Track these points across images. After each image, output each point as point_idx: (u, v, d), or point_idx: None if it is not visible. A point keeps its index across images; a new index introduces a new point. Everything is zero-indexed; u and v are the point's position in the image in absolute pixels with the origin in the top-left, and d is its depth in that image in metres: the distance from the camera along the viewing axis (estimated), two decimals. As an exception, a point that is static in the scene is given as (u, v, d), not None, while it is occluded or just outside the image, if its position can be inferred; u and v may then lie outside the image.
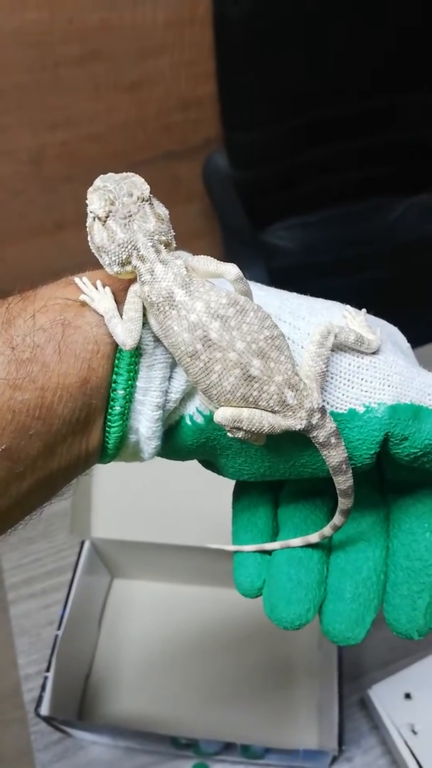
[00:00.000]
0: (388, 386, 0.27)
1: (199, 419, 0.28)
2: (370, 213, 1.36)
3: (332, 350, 0.27)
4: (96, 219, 0.27)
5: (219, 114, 1.30)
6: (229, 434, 0.27)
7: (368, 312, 0.31)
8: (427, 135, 1.34)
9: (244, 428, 0.26)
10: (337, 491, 0.28)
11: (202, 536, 0.63)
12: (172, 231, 0.27)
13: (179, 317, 0.25)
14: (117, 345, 0.26)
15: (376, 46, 1.23)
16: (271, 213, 1.34)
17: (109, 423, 0.27)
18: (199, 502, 0.65)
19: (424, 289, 1.27)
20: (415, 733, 0.56)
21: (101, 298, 0.26)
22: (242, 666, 0.66)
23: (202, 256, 0.27)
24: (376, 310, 0.32)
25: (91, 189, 0.27)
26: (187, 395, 0.28)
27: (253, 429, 0.26)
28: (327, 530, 0.30)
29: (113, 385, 0.26)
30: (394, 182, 1.36)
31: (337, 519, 0.29)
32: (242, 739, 0.58)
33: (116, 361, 0.26)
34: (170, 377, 0.28)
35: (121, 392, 0.26)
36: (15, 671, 0.68)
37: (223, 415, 0.26)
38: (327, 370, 0.27)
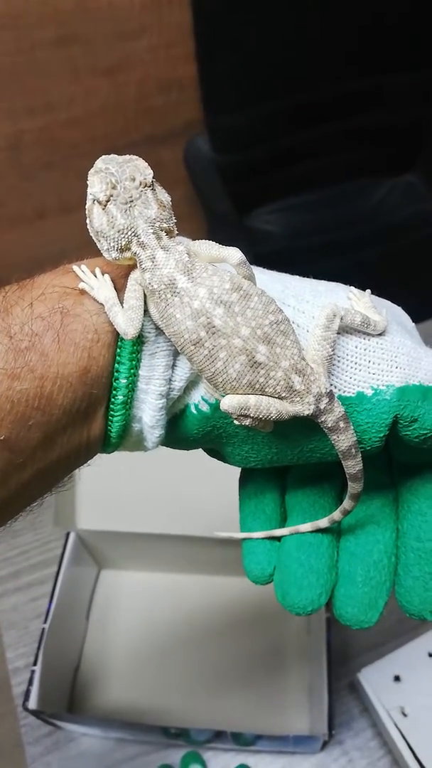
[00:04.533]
0: (396, 368, 0.27)
1: (205, 407, 0.28)
2: (354, 195, 1.35)
3: (338, 333, 0.27)
4: (96, 202, 0.26)
5: (200, 97, 1.28)
6: (235, 422, 0.27)
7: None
8: (410, 116, 1.33)
9: (251, 415, 0.26)
10: (347, 476, 0.28)
11: (189, 525, 0.63)
12: (173, 218, 0.26)
13: (182, 304, 0.25)
14: (118, 333, 0.26)
15: (358, 27, 1.21)
16: (255, 197, 1.33)
17: (111, 412, 0.27)
18: (184, 491, 0.64)
19: (410, 268, 1.26)
20: (405, 715, 0.56)
21: (100, 286, 0.26)
22: (231, 653, 0.66)
23: (204, 240, 0.27)
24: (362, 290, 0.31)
25: (92, 171, 0.26)
26: (192, 383, 0.28)
27: (260, 416, 0.26)
28: (337, 515, 0.30)
29: (115, 374, 0.26)
30: (377, 164, 1.35)
31: (347, 503, 0.29)
32: (233, 727, 0.57)
33: (118, 350, 0.26)
34: (173, 365, 0.27)
35: (123, 381, 0.26)
36: (3, 665, 0.67)
37: (229, 402, 0.26)
38: (333, 354, 0.26)
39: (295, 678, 0.64)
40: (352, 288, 0.29)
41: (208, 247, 0.26)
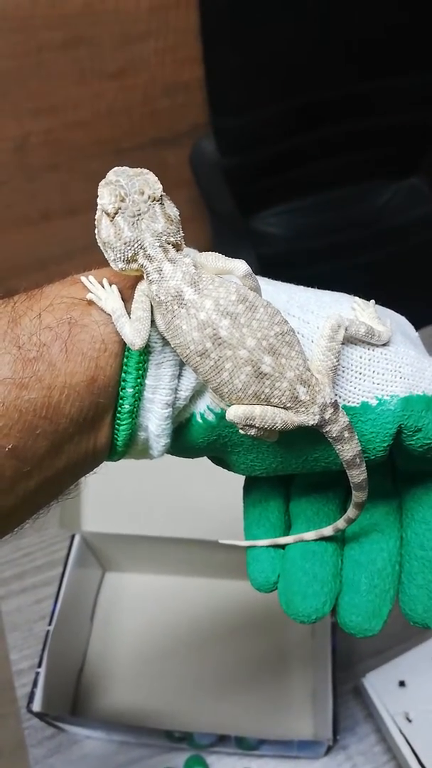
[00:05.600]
0: (401, 378, 0.27)
1: (210, 417, 0.28)
2: (359, 198, 1.35)
3: (343, 343, 0.27)
4: (104, 213, 0.26)
5: (205, 99, 1.28)
6: (241, 432, 0.27)
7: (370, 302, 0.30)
8: (415, 119, 1.33)
9: (257, 425, 0.26)
10: (351, 485, 0.28)
11: (194, 528, 0.63)
12: (181, 232, 0.27)
13: (188, 316, 0.25)
14: (125, 343, 0.26)
15: (363, 30, 1.21)
16: (260, 199, 1.33)
17: (118, 421, 0.27)
18: (189, 495, 0.64)
19: (413, 273, 1.26)
20: (409, 720, 0.56)
21: (108, 297, 0.26)
22: (236, 657, 0.66)
23: (210, 252, 0.27)
24: (365, 295, 0.31)
25: (103, 182, 0.27)
26: (197, 393, 0.28)
27: (265, 426, 0.26)
28: (341, 523, 0.30)
29: (122, 383, 0.26)
30: (381, 167, 1.35)
31: (351, 512, 0.29)
32: (237, 731, 0.57)
33: (125, 360, 0.26)
34: (179, 375, 0.27)
35: (130, 390, 0.26)
36: (7, 666, 0.67)
37: (235, 413, 0.26)
38: (338, 364, 0.27)
39: (299, 682, 0.64)
40: (357, 298, 0.30)
41: (215, 259, 0.27)
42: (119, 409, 0.27)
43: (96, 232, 0.27)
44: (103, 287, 0.26)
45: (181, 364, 0.27)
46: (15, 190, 1.30)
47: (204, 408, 0.28)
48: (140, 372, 0.26)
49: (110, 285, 0.27)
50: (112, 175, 0.27)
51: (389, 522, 0.32)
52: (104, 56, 1.21)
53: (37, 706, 0.55)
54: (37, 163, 1.28)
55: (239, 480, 0.66)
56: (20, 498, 0.25)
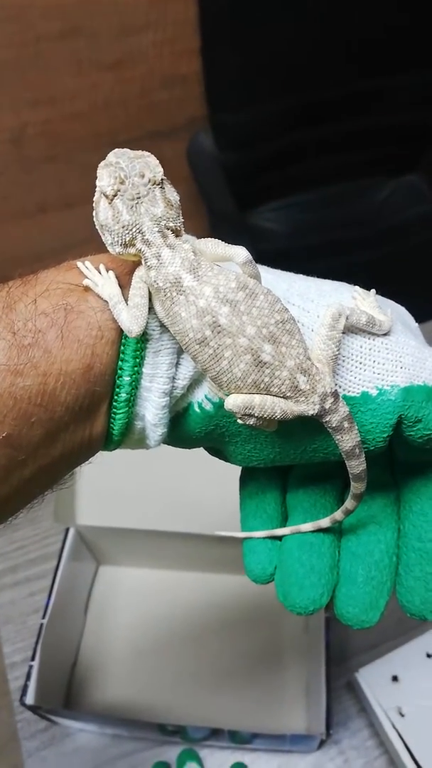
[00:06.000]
0: (401, 368, 0.27)
1: (208, 406, 0.28)
2: (357, 195, 1.35)
3: (343, 332, 0.27)
4: (103, 196, 0.26)
5: (204, 93, 1.27)
6: (239, 421, 0.26)
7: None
8: (414, 117, 1.33)
9: (256, 415, 0.26)
10: (350, 476, 0.28)
11: (189, 522, 0.62)
12: (181, 218, 0.26)
13: (187, 303, 0.25)
14: (122, 331, 0.26)
15: (364, 27, 1.21)
16: (258, 195, 1.33)
17: (114, 410, 0.27)
18: (184, 489, 0.64)
19: (412, 270, 1.26)
20: (402, 715, 0.57)
21: (105, 283, 0.26)
22: (229, 651, 0.66)
23: (210, 239, 0.27)
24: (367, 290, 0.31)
25: (102, 163, 0.26)
26: (195, 382, 0.28)
27: (264, 415, 0.26)
28: (338, 515, 0.30)
29: (119, 371, 0.26)
30: (380, 164, 1.35)
31: (349, 503, 0.29)
32: (230, 725, 0.57)
33: (122, 347, 0.26)
34: (177, 363, 0.27)
35: (126, 379, 0.26)
36: (0, 659, 0.67)
37: (234, 402, 0.26)
38: (339, 353, 0.26)
39: (293, 676, 0.64)
40: (357, 287, 0.29)
41: (214, 246, 0.26)
42: (116, 397, 0.26)
43: (93, 214, 0.26)
44: (100, 273, 0.26)
45: (179, 352, 0.27)
46: (11, 182, 1.30)
47: (202, 397, 0.28)
48: (137, 360, 0.26)
49: (107, 271, 0.26)
50: (113, 156, 0.26)
51: (387, 513, 0.32)
52: (102, 47, 1.20)
53: (30, 699, 0.55)
54: (34, 154, 1.27)
55: (235, 474, 0.66)
56: (14, 487, 0.25)
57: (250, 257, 0.26)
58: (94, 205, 0.26)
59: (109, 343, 0.26)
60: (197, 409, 0.28)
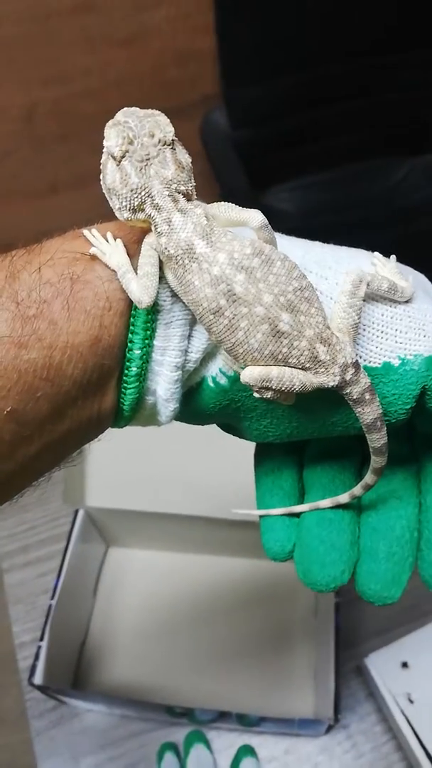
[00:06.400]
0: (425, 336, 0.26)
1: (223, 380, 0.26)
2: (372, 174, 1.32)
3: (364, 300, 0.25)
4: (110, 157, 0.24)
5: (217, 69, 1.25)
6: (256, 395, 0.25)
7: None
8: (431, 95, 1.30)
9: (273, 387, 0.25)
10: (370, 449, 0.27)
11: (198, 505, 0.62)
12: (192, 181, 0.25)
13: (200, 271, 0.24)
14: (131, 301, 0.24)
15: (381, 1, 1.18)
16: (272, 174, 1.30)
17: (125, 384, 0.25)
18: (194, 471, 0.64)
19: (427, 251, 1.24)
20: (411, 702, 0.56)
21: (113, 252, 0.24)
22: (238, 634, 0.66)
23: (222, 203, 0.25)
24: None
25: (110, 123, 0.25)
26: (209, 355, 0.27)
27: (282, 388, 0.24)
28: (358, 490, 0.29)
29: (129, 344, 0.25)
30: (397, 143, 1.32)
31: (369, 478, 0.28)
32: (238, 707, 0.57)
33: (132, 319, 0.25)
34: (189, 335, 0.26)
35: (137, 352, 0.25)
36: (10, 638, 0.68)
37: (250, 374, 0.24)
38: (359, 322, 0.25)
39: (302, 660, 0.64)
40: (376, 254, 0.28)
41: (228, 210, 0.25)
42: (126, 372, 0.25)
43: (101, 177, 0.25)
44: (107, 242, 0.25)
45: (192, 324, 0.26)
46: (23, 161, 1.28)
47: (216, 371, 0.27)
48: (148, 332, 0.25)
49: (114, 239, 0.25)
50: (121, 115, 0.25)
51: (407, 488, 0.31)
52: (114, 23, 1.18)
53: (38, 679, 0.55)
54: (46, 133, 1.26)
55: (245, 456, 0.65)
56: (19, 464, 0.24)
57: (266, 221, 0.25)
58: (101, 167, 0.25)
59: (117, 314, 0.24)
60: (211, 384, 0.27)
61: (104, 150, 0.25)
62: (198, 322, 0.25)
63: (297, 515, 0.31)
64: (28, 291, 0.23)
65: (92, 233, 0.25)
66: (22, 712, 0.63)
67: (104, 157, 0.25)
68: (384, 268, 0.27)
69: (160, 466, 0.65)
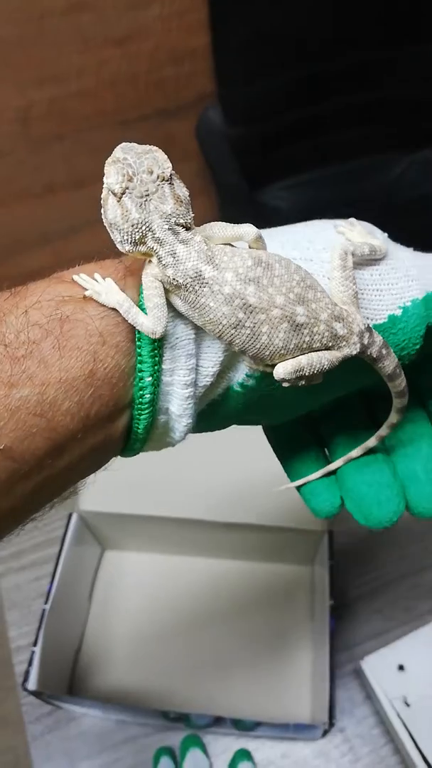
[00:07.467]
0: (413, 281, 0.28)
1: (250, 382, 0.28)
2: (369, 171, 1.31)
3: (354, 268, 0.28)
4: (111, 193, 0.26)
5: (213, 67, 1.24)
6: (287, 385, 0.27)
7: None
8: (428, 90, 1.29)
9: (307, 374, 0.26)
10: (393, 393, 0.29)
11: (193, 508, 0.62)
12: (191, 213, 0.26)
13: (212, 293, 0.25)
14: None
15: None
16: (268, 172, 1.30)
17: (138, 410, 0.26)
18: (188, 475, 0.63)
19: (425, 248, 1.23)
20: (408, 705, 0.56)
21: (107, 291, 0.25)
22: (234, 638, 0.65)
23: (215, 223, 0.27)
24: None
25: (109, 160, 0.26)
26: (226, 367, 0.28)
27: (314, 372, 0.26)
28: (384, 430, 0.31)
29: (138, 374, 0.26)
30: (394, 138, 1.31)
31: (393, 417, 0.30)
32: (233, 713, 0.57)
33: (138, 350, 0.25)
34: (199, 353, 0.27)
35: (148, 379, 0.26)
36: (6, 643, 0.68)
37: (284, 370, 0.26)
38: (357, 289, 0.27)
39: (298, 664, 0.63)
40: (337, 221, 0.30)
41: (222, 229, 0.27)
42: (140, 399, 0.26)
43: (102, 212, 0.26)
44: (98, 282, 0.26)
45: (197, 342, 0.27)
46: (19, 162, 1.28)
47: (242, 377, 0.28)
48: (156, 359, 0.26)
49: (104, 279, 0.26)
50: (120, 152, 0.26)
51: (417, 413, 0.33)
52: (108, 22, 1.17)
53: (32, 685, 0.54)
54: (41, 134, 1.25)
55: (239, 459, 0.65)
56: (18, 499, 0.24)
57: (259, 232, 0.27)
58: (102, 203, 0.26)
59: (112, 347, 0.25)
60: (238, 389, 0.28)
61: (104, 186, 0.26)
62: (215, 338, 0.26)
63: (332, 473, 0.33)
64: (16, 333, 0.24)
65: (81, 277, 0.26)
66: (19, 718, 0.63)
67: (104, 193, 0.26)
68: (353, 233, 0.28)
69: (154, 470, 0.64)
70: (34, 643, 0.56)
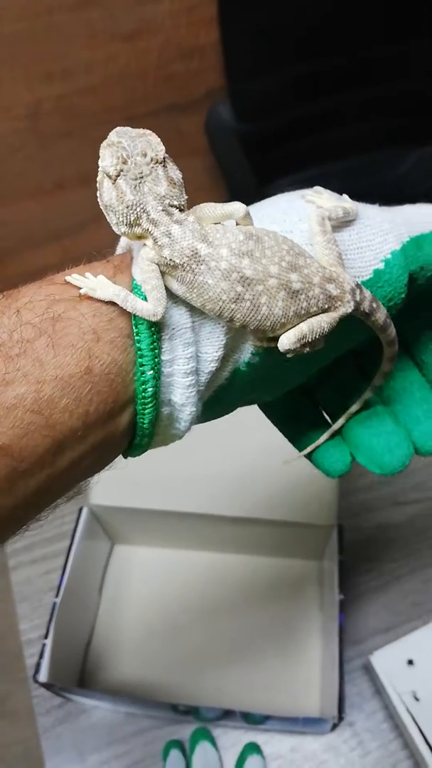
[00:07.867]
0: (387, 233, 0.29)
1: (255, 359, 0.29)
2: (379, 165, 1.30)
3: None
4: (106, 176, 0.26)
5: (222, 63, 1.24)
6: (292, 355, 0.27)
7: None
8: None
9: (310, 340, 0.27)
10: (384, 344, 0.30)
11: (203, 502, 0.62)
12: (184, 195, 0.27)
13: (210, 270, 0.26)
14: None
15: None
16: (277, 167, 1.29)
17: (142, 404, 0.26)
18: (198, 468, 0.64)
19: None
20: (417, 699, 0.56)
21: (102, 286, 0.26)
22: (243, 632, 0.66)
23: (204, 204, 0.27)
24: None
25: (104, 143, 0.27)
26: (231, 350, 0.28)
27: (316, 336, 0.27)
28: (378, 380, 0.32)
29: (139, 368, 0.26)
30: (403, 133, 1.31)
31: (384, 366, 0.31)
32: (243, 706, 0.57)
33: (136, 344, 0.26)
34: (198, 341, 0.27)
35: (150, 373, 0.26)
36: (17, 635, 0.68)
37: (288, 340, 0.27)
38: (340, 250, 0.28)
39: (307, 658, 0.64)
40: (304, 191, 0.31)
41: (212, 209, 0.27)
42: (142, 394, 0.26)
43: (98, 195, 0.27)
44: (89, 279, 0.26)
45: (194, 330, 0.27)
46: (28, 159, 1.28)
47: (248, 356, 0.29)
48: (156, 351, 0.26)
49: (95, 276, 0.26)
50: (114, 135, 0.26)
51: (404, 361, 0.34)
52: (117, 18, 1.17)
53: (43, 677, 0.55)
54: (50, 130, 1.25)
55: (247, 453, 0.65)
56: (20, 498, 0.24)
57: (248, 209, 0.27)
58: (98, 186, 0.27)
59: (107, 343, 0.25)
60: (244, 368, 0.29)
61: (100, 169, 0.26)
62: (215, 318, 0.27)
63: (337, 433, 0.34)
64: (9, 332, 0.24)
65: (74, 277, 0.26)
66: (30, 710, 0.64)
67: (100, 176, 0.26)
68: (322, 199, 0.30)
69: (164, 464, 0.64)
70: (45, 636, 0.57)
